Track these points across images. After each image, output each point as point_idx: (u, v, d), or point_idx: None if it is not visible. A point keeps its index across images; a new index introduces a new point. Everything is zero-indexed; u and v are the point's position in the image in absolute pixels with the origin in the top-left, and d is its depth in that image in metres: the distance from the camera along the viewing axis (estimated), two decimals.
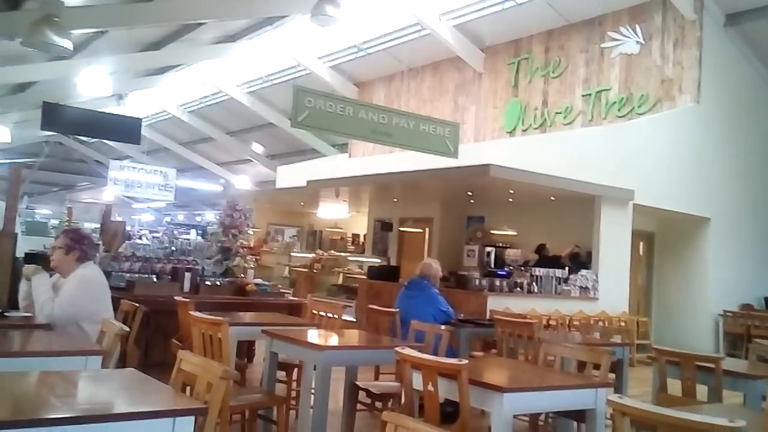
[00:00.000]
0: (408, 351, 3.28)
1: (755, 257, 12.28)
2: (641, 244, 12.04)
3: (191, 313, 4.35)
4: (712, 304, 11.47)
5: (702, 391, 4.29)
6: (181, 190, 17.97)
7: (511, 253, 11.65)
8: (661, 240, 12.34)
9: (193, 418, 2.21)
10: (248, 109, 18.56)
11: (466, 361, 3.11)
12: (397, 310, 5.73)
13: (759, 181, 12.40)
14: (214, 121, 21.25)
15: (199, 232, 18.27)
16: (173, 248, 8.95)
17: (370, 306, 6.15)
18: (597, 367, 3.84)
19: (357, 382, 4.60)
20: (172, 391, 2.56)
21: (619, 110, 12.15)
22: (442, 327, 4.84)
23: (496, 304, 8.69)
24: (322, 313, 5.67)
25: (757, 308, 11.79)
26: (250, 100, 18.33)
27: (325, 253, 16.45)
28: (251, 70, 17.07)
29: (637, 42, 12.04)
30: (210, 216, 24.41)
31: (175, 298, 5.32)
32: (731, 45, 11.87)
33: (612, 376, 5.18)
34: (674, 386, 4.44)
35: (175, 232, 18.25)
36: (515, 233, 12.25)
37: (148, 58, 15.44)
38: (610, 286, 10.01)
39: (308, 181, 12.97)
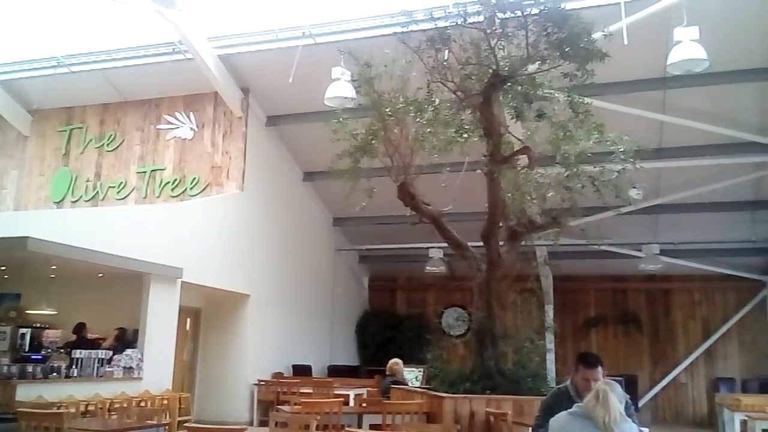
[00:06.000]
0: None
1: (285, 329, 13.95)
2: (188, 320, 12.48)
3: None
4: (249, 374, 12.51)
5: None
6: None
7: (50, 334, 10.70)
8: (206, 316, 13.00)
9: None
10: None
11: None
12: None
13: (290, 262, 14.24)
14: None
15: None
16: None
17: None
18: None
19: None
20: None
21: (172, 190, 12.65)
22: None
23: (27, 393, 7.93)
24: None
25: (286, 375, 13.32)
26: None
27: None
28: None
29: (191, 128, 12.88)
30: None
31: None
32: (271, 141, 13.62)
33: None
34: None
35: None
36: (56, 312, 11.32)
37: None
38: (156, 363, 10.04)
39: None
